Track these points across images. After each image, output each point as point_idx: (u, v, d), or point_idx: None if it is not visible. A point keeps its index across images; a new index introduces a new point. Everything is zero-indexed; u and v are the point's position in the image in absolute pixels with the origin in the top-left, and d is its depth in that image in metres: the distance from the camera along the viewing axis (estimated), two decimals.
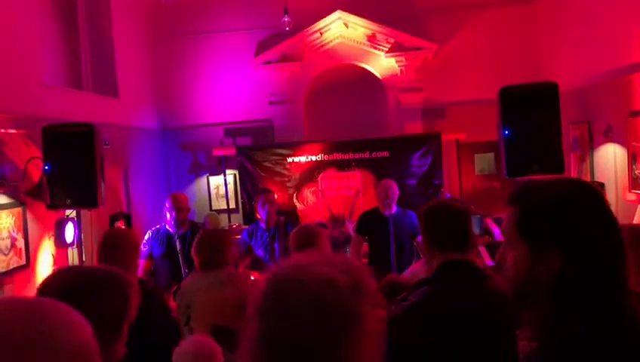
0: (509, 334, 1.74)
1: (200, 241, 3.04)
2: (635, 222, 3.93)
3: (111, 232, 3.17)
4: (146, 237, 4.46)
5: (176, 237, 4.26)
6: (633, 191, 4.43)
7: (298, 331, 0.93)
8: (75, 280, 1.34)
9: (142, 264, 4.04)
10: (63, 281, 1.34)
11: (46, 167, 3.98)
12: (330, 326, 0.94)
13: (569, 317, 1.07)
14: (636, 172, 4.43)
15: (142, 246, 3.94)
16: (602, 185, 4.89)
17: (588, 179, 5.30)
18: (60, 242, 4.31)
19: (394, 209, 4.46)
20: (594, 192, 1.17)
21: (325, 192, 6.25)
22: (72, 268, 1.63)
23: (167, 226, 4.39)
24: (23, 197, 4.10)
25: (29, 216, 4.16)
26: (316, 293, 0.95)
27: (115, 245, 2.83)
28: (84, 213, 4.41)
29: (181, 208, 4.40)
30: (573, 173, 5.64)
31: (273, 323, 0.96)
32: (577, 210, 1.11)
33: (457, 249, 2.00)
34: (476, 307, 1.89)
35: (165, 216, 4.48)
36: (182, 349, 2.32)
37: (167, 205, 4.43)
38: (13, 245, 3.96)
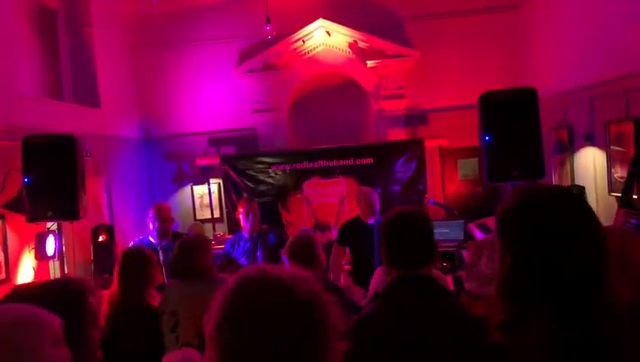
0: (458, 356, 1.72)
1: (180, 249, 3.03)
2: (613, 223, 3.98)
3: (131, 251, 3.30)
4: None
5: (159, 248, 4.21)
6: (612, 193, 4.49)
7: (272, 332, 0.88)
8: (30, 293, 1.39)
9: None
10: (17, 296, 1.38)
11: (26, 179, 3.92)
12: (305, 324, 0.90)
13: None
14: (615, 175, 4.50)
15: None
16: (582, 188, 4.95)
17: (568, 182, 5.37)
18: (41, 255, 4.24)
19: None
20: (564, 199, 1.20)
21: (310, 200, 6.25)
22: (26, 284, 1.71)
23: (150, 237, 4.35)
24: (1, 209, 4.03)
25: (8, 229, 4.10)
26: (291, 288, 0.91)
27: (135, 264, 3.01)
28: (66, 225, 4.35)
29: (164, 218, 4.35)
30: (554, 178, 5.71)
31: (243, 328, 0.89)
32: (528, 213, 1.19)
33: (412, 264, 1.89)
34: (413, 332, 1.79)
35: (148, 226, 4.44)
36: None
37: (150, 215, 4.38)
38: None
